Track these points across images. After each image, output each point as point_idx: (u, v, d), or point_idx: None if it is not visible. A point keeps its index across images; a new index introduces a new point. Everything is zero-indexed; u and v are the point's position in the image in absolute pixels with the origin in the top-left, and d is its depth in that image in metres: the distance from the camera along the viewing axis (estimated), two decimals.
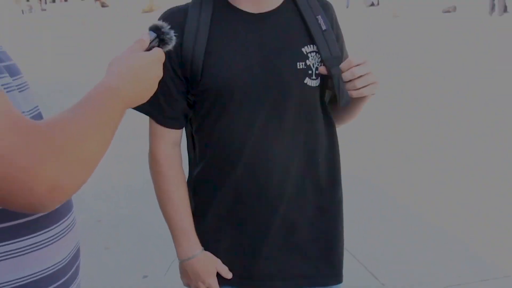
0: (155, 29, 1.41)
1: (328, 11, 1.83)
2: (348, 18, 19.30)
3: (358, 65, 1.61)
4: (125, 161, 6.39)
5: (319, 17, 1.76)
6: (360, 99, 1.72)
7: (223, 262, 1.85)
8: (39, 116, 1.31)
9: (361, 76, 1.61)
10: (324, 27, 1.75)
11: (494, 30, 15.21)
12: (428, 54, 12.02)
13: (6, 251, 1.15)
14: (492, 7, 18.37)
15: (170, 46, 1.43)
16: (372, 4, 26.33)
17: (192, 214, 1.86)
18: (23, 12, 43.95)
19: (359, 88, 1.62)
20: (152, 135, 1.82)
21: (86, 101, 1.15)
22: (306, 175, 1.82)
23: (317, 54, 1.75)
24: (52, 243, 1.23)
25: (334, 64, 1.70)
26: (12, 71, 1.27)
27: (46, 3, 49.27)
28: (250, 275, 1.86)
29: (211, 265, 1.85)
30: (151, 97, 1.53)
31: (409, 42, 14.15)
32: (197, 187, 1.89)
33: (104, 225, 5.02)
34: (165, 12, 1.80)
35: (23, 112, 1.21)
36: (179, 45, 1.66)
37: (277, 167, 1.79)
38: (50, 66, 15.30)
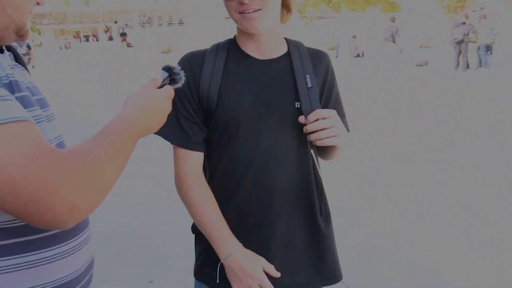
0: (167, 69, 1.44)
1: (322, 62, 1.86)
2: (337, 66, 19.53)
3: (324, 118, 1.64)
4: (135, 180, 6.38)
5: (308, 76, 1.78)
6: (332, 147, 1.73)
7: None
8: (62, 144, 1.35)
9: (324, 128, 1.63)
10: (310, 85, 1.76)
11: (458, 83, 15.40)
12: (404, 99, 12.14)
13: (31, 260, 1.17)
14: (457, 64, 18.56)
15: (179, 84, 1.45)
16: (358, 55, 26.53)
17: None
18: (60, 48, 44.27)
19: (322, 138, 1.64)
20: (177, 160, 1.79)
21: (104, 132, 1.17)
22: (300, 197, 1.82)
23: None
24: (70, 255, 1.25)
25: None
26: (42, 104, 1.30)
27: (80, 41, 49.64)
28: None
29: (257, 260, 1.73)
30: (176, 126, 1.72)
31: (390, 89, 14.28)
32: None
33: (117, 235, 5.01)
34: (187, 54, 1.81)
35: (50, 140, 1.24)
36: (198, 82, 1.74)
37: (277, 190, 1.78)
38: (81, 95, 15.38)
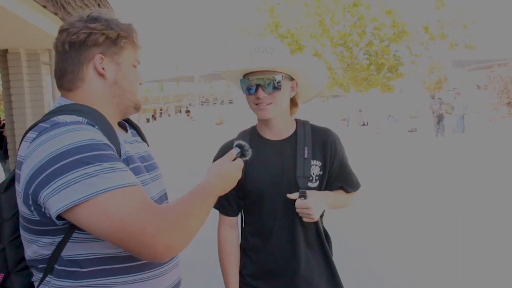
0: (239, 146, 1.42)
1: (324, 137, 1.78)
2: (348, 133, 19.51)
3: (301, 207, 1.66)
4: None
5: (306, 148, 1.73)
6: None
7: None
8: (165, 196, 1.37)
9: (303, 211, 1.66)
10: (306, 156, 1.72)
11: (436, 147, 15.18)
12: (398, 157, 12.01)
13: (135, 279, 1.19)
14: (437, 131, 18.33)
15: (247, 158, 1.43)
16: (363, 125, 26.41)
17: (241, 266, 1.85)
18: (148, 121, 45.39)
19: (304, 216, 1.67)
20: (219, 217, 1.86)
21: (193, 193, 1.18)
22: (313, 242, 1.79)
23: (316, 166, 1.74)
24: (162, 276, 1.26)
25: (304, 182, 1.71)
26: (151, 167, 1.35)
27: (160, 116, 50.68)
28: None
29: None
30: (220, 199, 1.65)
31: (387, 151, 14.13)
32: (244, 248, 1.87)
33: (187, 264, 4.62)
34: (222, 145, 1.83)
35: (154, 196, 1.27)
36: None
37: (296, 242, 1.74)
38: (159, 157, 15.20)
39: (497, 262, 4.40)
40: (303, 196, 1.68)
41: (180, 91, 53.31)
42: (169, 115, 48.93)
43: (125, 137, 1.32)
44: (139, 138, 1.43)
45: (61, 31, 1.25)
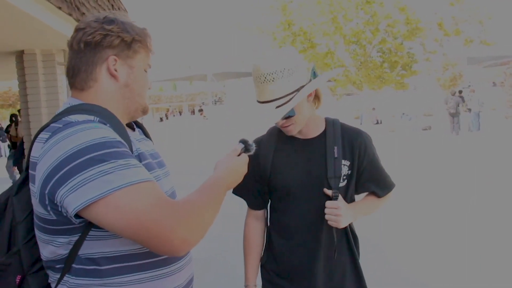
0: (243, 142, 1.44)
1: (353, 138, 1.75)
2: None
3: (331, 207, 1.64)
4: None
5: (335, 147, 1.71)
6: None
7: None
8: (174, 193, 1.38)
9: (333, 213, 1.64)
10: (335, 156, 1.70)
11: (452, 144, 15.04)
12: (413, 155, 11.92)
13: (152, 276, 1.20)
14: (453, 128, 18.15)
15: (251, 153, 1.45)
16: (377, 123, 26.24)
17: (265, 259, 1.87)
18: (161, 120, 45.72)
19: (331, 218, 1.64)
20: (247, 212, 1.92)
21: (204, 187, 1.20)
22: (338, 247, 1.76)
23: (345, 166, 1.72)
24: (177, 273, 1.28)
25: (335, 182, 1.69)
26: (160, 165, 1.36)
27: (172, 115, 50.97)
28: None
29: None
30: (247, 192, 1.84)
31: (404, 149, 14.03)
32: (268, 244, 1.89)
33: (199, 260, 4.79)
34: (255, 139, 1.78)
35: (166, 191, 1.28)
36: (258, 162, 1.77)
37: (320, 242, 1.73)
38: (172, 156, 15.24)
39: None
40: (336, 197, 1.67)
41: (193, 90, 53.50)
42: (179, 114, 49.10)
43: (134, 135, 1.33)
44: (144, 137, 1.44)
45: (77, 30, 1.25)
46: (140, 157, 1.22)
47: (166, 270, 1.24)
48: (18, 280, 1.20)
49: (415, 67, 25.07)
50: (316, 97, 1.73)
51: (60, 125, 1.12)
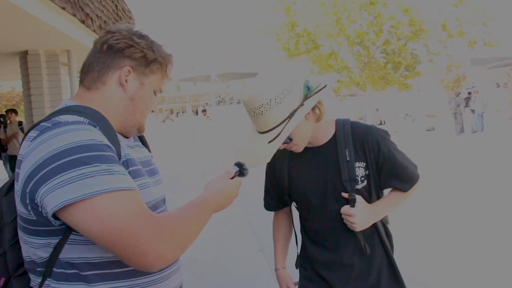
0: (238, 165, 1.40)
1: (367, 140, 1.70)
2: None
3: (347, 214, 1.67)
4: (212, 220, 6.16)
5: (347, 150, 1.69)
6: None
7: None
8: (163, 202, 1.35)
9: (348, 220, 1.68)
10: (348, 159, 1.68)
11: (455, 145, 15.00)
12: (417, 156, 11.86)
13: (136, 284, 1.18)
14: (461, 129, 18.12)
15: (245, 176, 1.41)
16: (380, 123, 26.17)
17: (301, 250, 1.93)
18: (163, 121, 45.68)
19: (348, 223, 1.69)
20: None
21: (190, 206, 1.18)
22: (369, 244, 1.78)
23: (360, 168, 1.71)
24: (163, 281, 1.24)
25: (351, 185, 1.69)
26: (152, 172, 1.34)
27: (176, 116, 51.02)
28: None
29: (284, 280, 1.92)
30: (267, 197, 1.95)
31: (407, 148, 14.00)
32: (302, 250, 1.94)
33: (199, 262, 4.96)
34: None
35: (154, 199, 1.25)
36: (274, 173, 1.86)
37: (346, 243, 1.76)
38: (176, 157, 15.28)
39: None
40: (353, 200, 1.68)
41: (197, 91, 53.53)
42: (181, 114, 49.14)
43: (126, 141, 1.31)
44: (140, 144, 1.42)
45: (107, 32, 1.27)
46: (128, 163, 1.19)
47: (152, 278, 1.21)
48: (2, 283, 1.19)
49: (418, 68, 24.98)
50: (316, 108, 1.66)
51: (49, 125, 1.11)
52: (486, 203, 6.72)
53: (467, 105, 18.34)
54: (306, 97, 1.57)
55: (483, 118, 18.19)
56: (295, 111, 1.55)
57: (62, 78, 6.84)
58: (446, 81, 26.94)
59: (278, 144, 1.56)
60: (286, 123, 1.54)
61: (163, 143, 21.26)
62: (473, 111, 18.42)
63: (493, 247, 4.87)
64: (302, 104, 1.57)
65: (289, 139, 1.61)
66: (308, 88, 1.58)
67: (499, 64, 26.66)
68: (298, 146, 1.69)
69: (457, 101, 18.20)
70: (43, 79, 6.59)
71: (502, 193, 7.30)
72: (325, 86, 1.60)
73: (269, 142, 1.55)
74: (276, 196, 1.92)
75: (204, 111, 42.24)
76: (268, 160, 1.60)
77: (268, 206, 1.98)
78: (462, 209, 6.51)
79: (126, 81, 1.25)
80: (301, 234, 1.93)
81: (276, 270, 1.96)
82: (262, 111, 1.53)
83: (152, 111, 1.37)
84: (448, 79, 26.98)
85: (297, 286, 1.93)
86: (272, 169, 1.88)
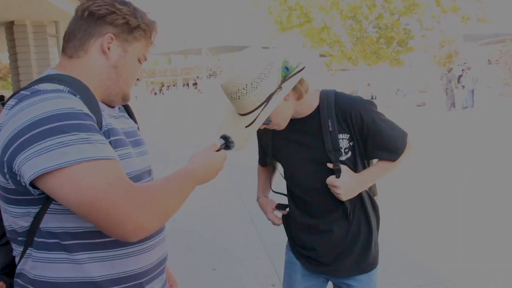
0: (224, 138, 1.38)
1: (348, 112, 1.69)
2: None
3: (334, 186, 1.69)
4: (203, 192, 6.08)
5: (329, 121, 1.69)
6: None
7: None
8: (148, 173, 1.33)
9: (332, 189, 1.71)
10: (330, 129, 1.69)
11: (445, 120, 15.10)
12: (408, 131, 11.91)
13: (118, 254, 1.18)
14: (452, 105, 18.19)
15: (231, 150, 1.40)
16: (372, 98, 26.17)
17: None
18: (155, 94, 45.45)
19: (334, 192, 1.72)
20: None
21: (172, 176, 1.17)
22: (354, 214, 1.82)
23: (344, 140, 1.71)
24: (147, 251, 1.24)
25: (335, 156, 1.70)
26: (137, 143, 1.32)
27: (166, 89, 50.66)
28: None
29: (266, 204, 1.97)
30: (260, 154, 2.02)
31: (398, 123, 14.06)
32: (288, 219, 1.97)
33: (189, 233, 4.99)
34: None
35: (137, 170, 1.24)
36: (260, 143, 1.99)
37: (334, 207, 1.79)
38: (165, 130, 15.16)
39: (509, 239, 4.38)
40: (338, 170, 1.70)
41: (188, 64, 53.07)
42: (172, 87, 48.78)
43: (111, 111, 1.29)
44: (126, 114, 1.39)
45: None
46: (109, 133, 1.17)
47: (136, 249, 1.20)
48: None
49: (411, 43, 24.93)
50: (297, 88, 1.62)
51: (28, 93, 1.09)
52: (476, 177, 6.79)
53: (459, 81, 18.36)
54: (284, 79, 1.56)
55: (474, 95, 18.26)
56: (272, 94, 1.54)
57: (50, 50, 6.73)
58: (438, 57, 26.89)
59: (254, 130, 1.56)
60: (263, 108, 1.54)
61: (154, 116, 21.15)
62: (463, 87, 18.47)
63: (482, 222, 4.92)
64: (280, 87, 1.55)
65: (269, 121, 1.61)
66: (287, 69, 1.56)
67: (492, 41, 26.67)
68: (279, 126, 1.70)
69: (449, 77, 18.24)
70: (31, 51, 6.48)
71: (491, 168, 7.38)
72: (303, 68, 1.57)
73: (246, 127, 1.55)
74: (264, 158, 2.01)
75: (195, 84, 41.98)
76: (245, 146, 1.57)
77: (259, 161, 2.06)
78: (451, 183, 6.58)
79: (108, 49, 1.23)
80: (287, 196, 1.96)
81: (257, 199, 2.03)
82: (238, 96, 1.53)
83: (138, 79, 1.34)
84: (440, 55, 26.91)
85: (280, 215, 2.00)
86: (259, 137, 1.95)
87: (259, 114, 1.54)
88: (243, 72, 1.51)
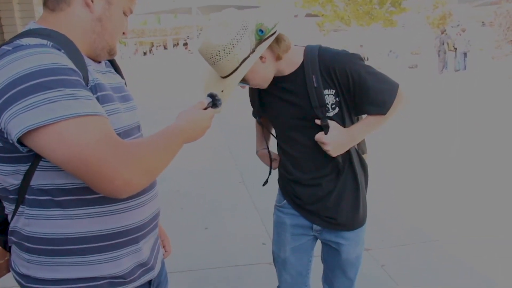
0: (211, 96, 1.37)
1: (332, 67, 1.66)
2: None
3: (323, 142, 1.71)
4: (194, 152, 6.15)
5: (313, 77, 1.67)
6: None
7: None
8: (137, 129, 1.33)
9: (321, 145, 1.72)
10: (315, 85, 1.67)
11: (437, 83, 15.07)
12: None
13: (111, 210, 1.18)
14: (443, 67, 18.12)
15: (219, 109, 1.39)
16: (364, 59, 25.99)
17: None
18: (144, 54, 44.75)
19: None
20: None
21: (160, 134, 1.16)
22: (343, 171, 1.84)
23: (330, 96, 1.69)
24: (138, 208, 1.25)
25: (322, 112, 1.70)
26: (125, 99, 1.31)
27: (156, 49, 49.90)
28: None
29: (265, 156, 2.06)
30: (253, 108, 1.97)
31: None
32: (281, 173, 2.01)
33: (181, 193, 5.04)
34: None
35: (126, 125, 1.23)
36: (250, 97, 1.97)
37: (324, 163, 1.81)
38: (155, 91, 15.24)
39: (502, 206, 4.37)
40: (326, 126, 1.70)
41: (178, 23, 52.00)
42: (165, 48, 48.07)
43: (97, 66, 1.26)
44: (112, 70, 1.37)
45: None
46: (96, 88, 1.15)
47: (127, 205, 1.21)
48: None
49: (404, 4, 24.55)
50: (276, 45, 1.62)
51: (10, 48, 1.05)
52: (466, 138, 6.86)
53: (454, 43, 18.20)
54: (259, 42, 1.56)
55: (466, 57, 18.17)
56: (245, 59, 1.55)
57: (35, 8, 6.55)
58: (432, 18, 26.59)
59: (229, 93, 1.57)
60: (237, 71, 1.56)
61: (144, 76, 20.93)
62: (456, 49, 18.34)
63: (472, 183, 4.98)
64: (253, 51, 1.56)
65: (245, 83, 1.63)
66: (262, 31, 1.55)
67: (486, 2, 26.32)
68: (260, 86, 1.72)
69: (442, 39, 18.08)
70: (14, 9, 6.30)
71: (482, 130, 7.44)
72: (275, 32, 1.56)
73: (222, 91, 1.58)
74: (254, 106, 2.00)
75: (185, 44, 41.31)
76: (226, 98, 1.58)
77: (253, 113, 2.05)
78: (441, 144, 6.63)
79: (92, 1, 1.20)
80: (278, 152, 2.00)
81: (257, 152, 2.11)
82: (213, 61, 1.57)
83: (124, 33, 1.31)
84: (434, 16, 26.61)
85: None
86: (250, 94, 1.96)
87: (231, 80, 1.57)
88: (215, 38, 1.53)
